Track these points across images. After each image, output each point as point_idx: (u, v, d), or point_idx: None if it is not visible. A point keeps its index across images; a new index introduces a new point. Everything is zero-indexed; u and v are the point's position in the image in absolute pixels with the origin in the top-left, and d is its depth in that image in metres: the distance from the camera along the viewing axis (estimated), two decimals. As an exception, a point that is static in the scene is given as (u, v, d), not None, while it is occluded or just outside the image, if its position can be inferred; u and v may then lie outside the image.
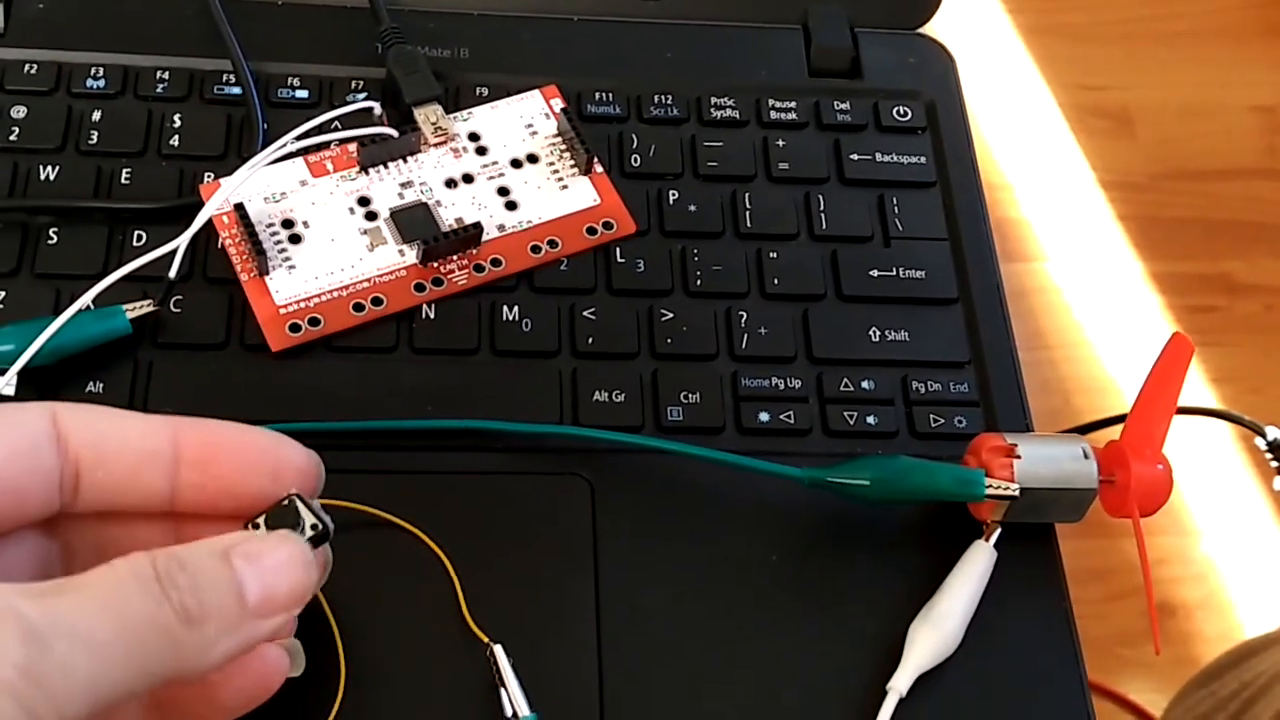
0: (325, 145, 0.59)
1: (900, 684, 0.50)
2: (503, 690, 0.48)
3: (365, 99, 0.61)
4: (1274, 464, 0.95)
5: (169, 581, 0.36)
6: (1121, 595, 1.42)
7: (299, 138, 0.57)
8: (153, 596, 0.35)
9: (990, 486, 0.51)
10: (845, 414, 0.57)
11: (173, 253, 0.54)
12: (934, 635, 0.51)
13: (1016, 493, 0.51)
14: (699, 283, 0.59)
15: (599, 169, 0.61)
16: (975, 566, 0.52)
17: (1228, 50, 1.78)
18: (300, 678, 0.46)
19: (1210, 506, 1.47)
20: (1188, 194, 1.67)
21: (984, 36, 1.78)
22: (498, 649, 0.48)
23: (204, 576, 0.36)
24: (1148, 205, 1.67)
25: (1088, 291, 1.58)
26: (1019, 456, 0.51)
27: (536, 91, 0.63)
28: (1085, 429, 0.60)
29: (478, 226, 0.57)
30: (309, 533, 0.40)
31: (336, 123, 0.60)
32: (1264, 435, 0.84)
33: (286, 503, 0.41)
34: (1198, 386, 1.50)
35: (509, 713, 0.47)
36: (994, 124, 1.70)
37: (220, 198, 0.55)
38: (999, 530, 0.53)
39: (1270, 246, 1.63)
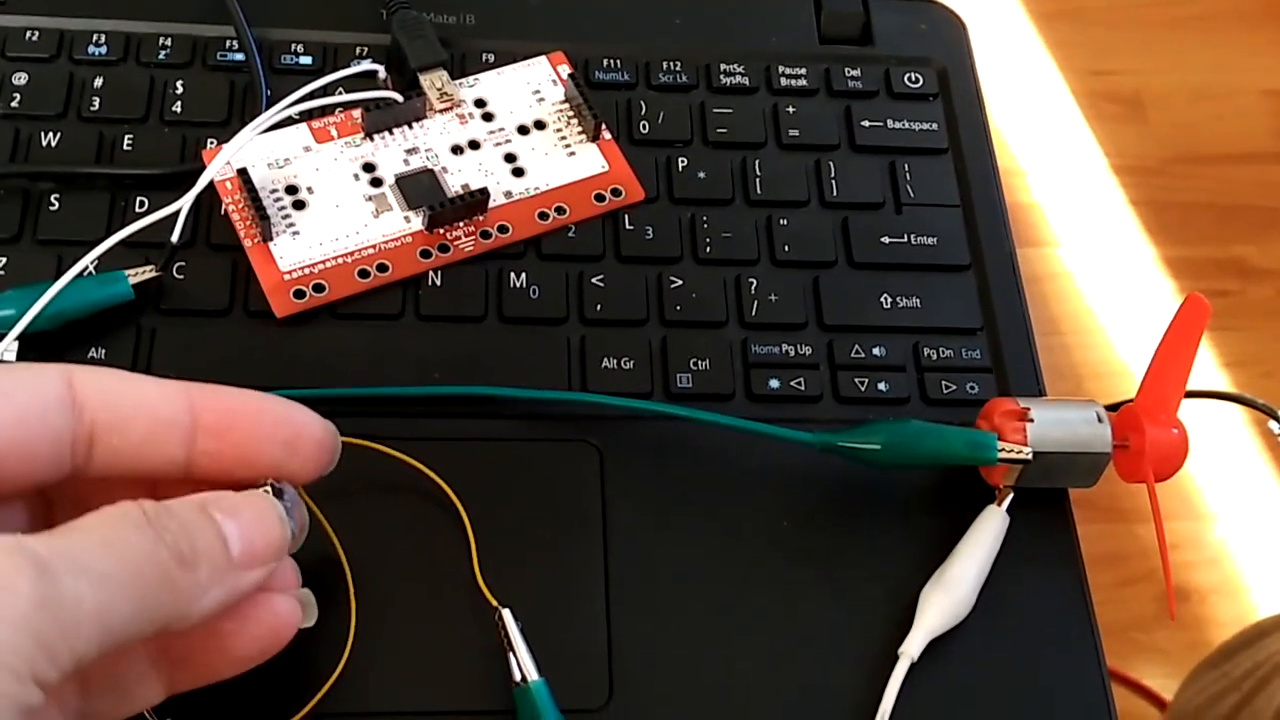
0: (330, 111, 0.59)
1: (912, 648, 0.49)
2: (510, 654, 0.47)
3: (370, 64, 0.60)
4: (1288, 448, 0.95)
5: (159, 525, 0.36)
6: (1135, 580, 1.42)
7: (300, 100, 0.56)
8: (149, 537, 0.36)
9: (1002, 450, 0.50)
10: (856, 380, 0.56)
11: (175, 218, 0.54)
12: (946, 600, 0.50)
13: (1029, 456, 0.50)
14: (708, 250, 0.59)
15: (607, 136, 0.61)
16: (987, 532, 0.51)
17: (1240, 34, 1.78)
18: (309, 631, 0.46)
19: (1224, 490, 1.47)
20: (1200, 178, 1.67)
21: (997, 22, 1.78)
22: (506, 613, 0.48)
23: (191, 523, 0.37)
24: (1160, 190, 1.66)
25: (1100, 276, 1.58)
26: (1031, 420, 0.51)
27: (543, 58, 0.63)
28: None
29: (484, 192, 0.57)
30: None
31: (341, 88, 0.59)
32: (1277, 419, 0.84)
33: (265, 489, 0.41)
34: (1211, 370, 1.50)
35: (517, 677, 0.47)
36: (1007, 109, 1.70)
37: (222, 160, 0.54)
38: (1011, 495, 0.52)
39: (1283, 230, 1.62)
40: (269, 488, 0.42)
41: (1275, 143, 1.69)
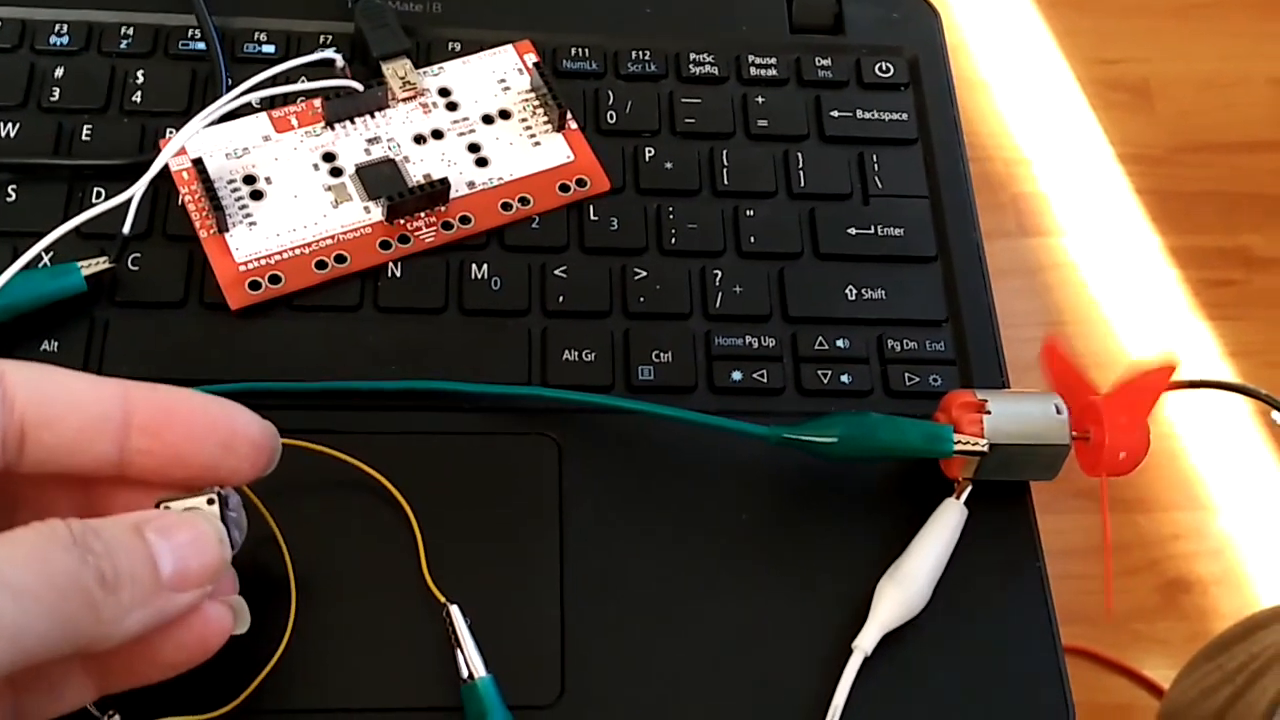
0: (291, 100, 0.58)
1: (865, 643, 0.49)
2: (458, 651, 0.47)
3: (333, 53, 0.60)
4: (1290, 439, 0.94)
5: (85, 546, 0.36)
6: (1137, 570, 1.41)
7: (256, 87, 0.56)
8: (74, 557, 0.36)
9: (959, 442, 0.50)
10: (819, 373, 0.56)
11: (127, 208, 0.53)
12: (900, 593, 0.50)
13: (985, 448, 0.50)
14: (674, 241, 0.58)
15: (573, 125, 0.60)
16: (944, 524, 0.51)
17: (1247, 22, 1.76)
18: (256, 625, 0.45)
19: (1227, 481, 1.46)
20: (1207, 167, 1.66)
21: (1001, 9, 1.77)
22: (454, 609, 0.47)
23: (118, 545, 0.37)
24: (1166, 179, 1.65)
25: (1105, 266, 1.57)
26: (989, 412, 0.50)
27: (510, 46, 0.62)
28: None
29: (445, 183, 0.56)
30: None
31: (304, 76, 0.59)
32: (1281, 410, 0.83)
33: (209, 498, 0.41)
34: (1215, 360, 1.49)
35: (464, 673, 0.46)
36: (1011, 98, 1.69)
37: (175, 147, 0.54)
38: (970, 488, 0.52)
39: (1290, 220, 1.61)
40: (214, 495, 0.41)
41: (1282, 132, 1.68)
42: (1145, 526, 1.42)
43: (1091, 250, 1.59)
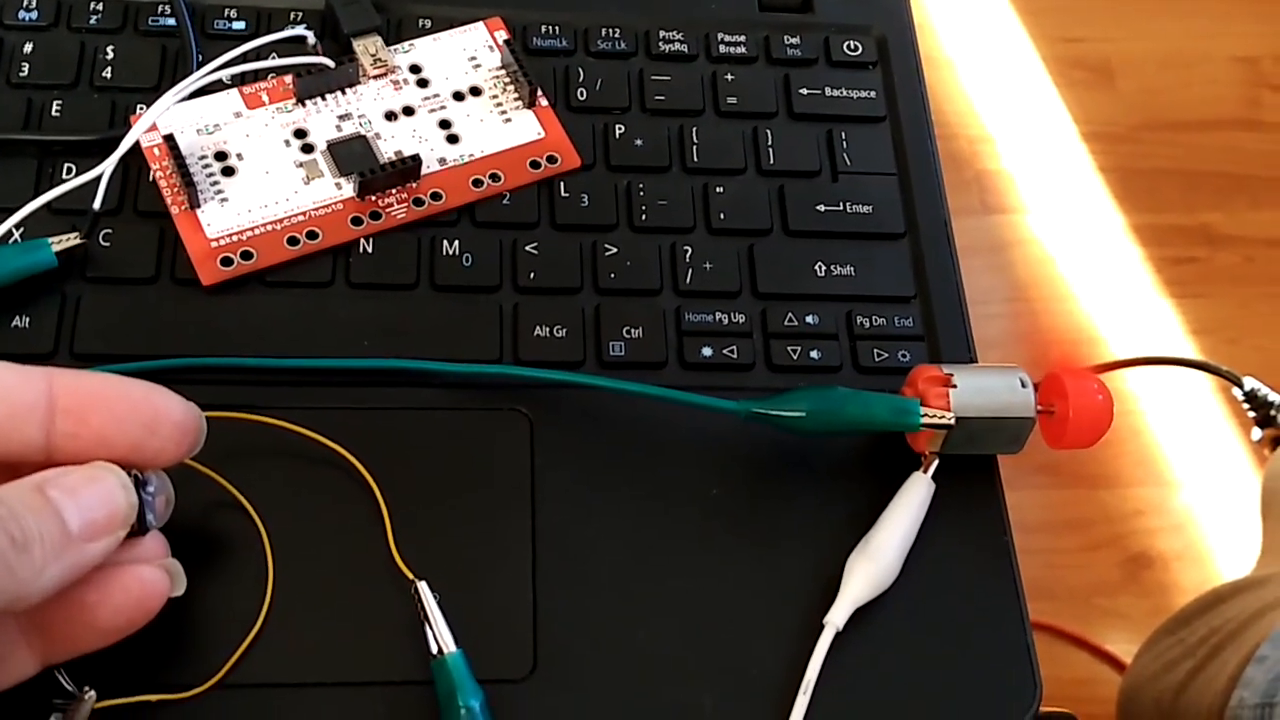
0: (262, 77, 0.58)
1: (836, 618, 0.50)
2: (427, 626, 0.47)
3: (305, 29, 0.60)
4: (1252, 414, 0.95)
5: None
6: (1099, 546, 1.43)
7: (226, 65, 0.56)
8: None
9: (925, 415, 0.51)
10: (789, 349, 0.56)
11: (98, 184, 0.53)
12: (871, 568, 0.50)
13: (951, 422, 0.50)
14: (644, 217, 0.59)
15: (543, 102, 0.60)
16: (913, 498, 0.52)
17: (1209, 2, 1.77)
18: (227, 601, 0.47)
19: (1189, 457, 1.47)
20: (1169, 145, 1.67)
21: (965, -12, 1.77)
22: (422, 585, 0.48)
23: (22, 507, 0.38)
24: (1129, 157, 1.66)
25: (1069, 243, 1.58)
26: (955, 386, 0.51)
27: (480, 24, 0.62)
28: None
29: (416, 159, 0.56)
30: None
31: (274, 53, 0.59)
32: (1241, 386, 0.83)
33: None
34: (1177, 337, 1.50)
35: (434, 649, 0.47)
36: (976, 76, 1.70)
37: (146, 123, 0.54)
38: (937, 462, 0.52)
39: (1250, 198, 1.63)
40: (133, 477, 0.42)
41: (1243, 110, 1.70)
42: (1108, 502, 1.43)
43: (1055, 227, 1.60)
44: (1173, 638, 0.95)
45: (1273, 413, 0.94)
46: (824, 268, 0.58)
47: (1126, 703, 0.96)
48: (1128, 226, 1.60)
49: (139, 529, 0.43)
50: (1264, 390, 0.93)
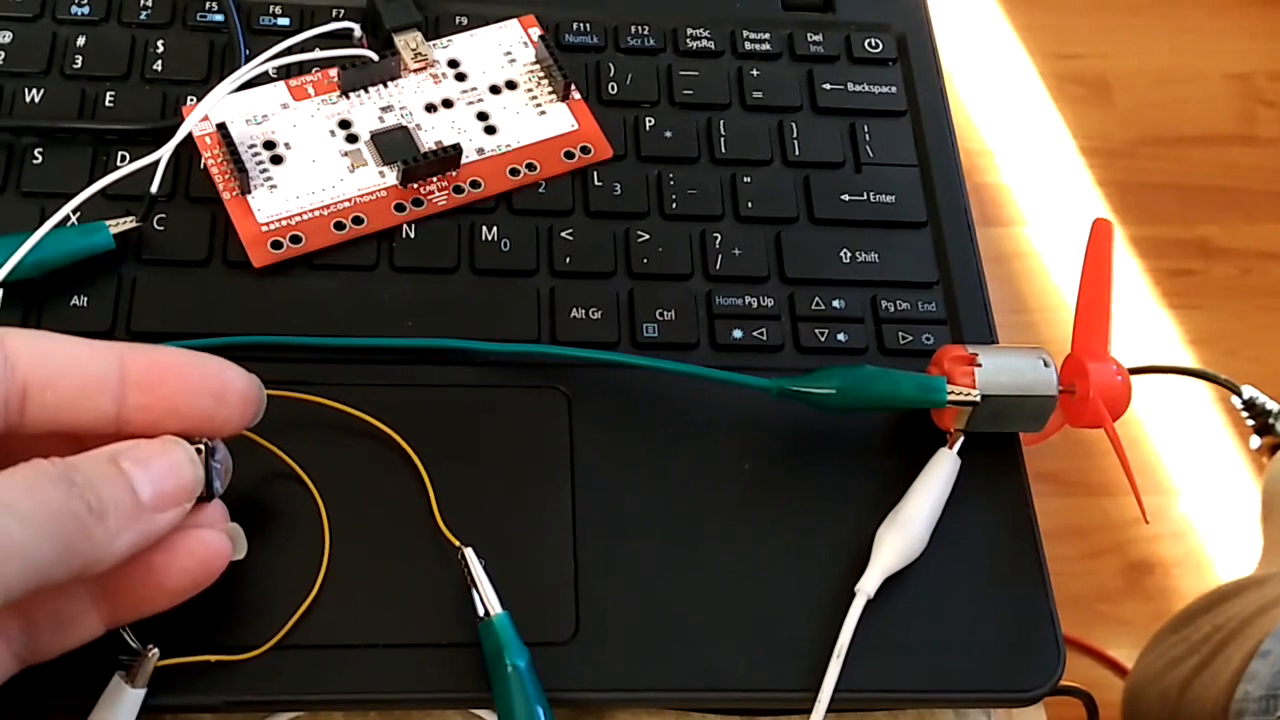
0: (307, 70, 0.60)
1: (868, 585, 0.51)
2: (474, 591, 0.49)
3: (346, 23, 0.62)
4: (1250, 422, 0.97)
5: (68, 480, 0.39)
6: (1100, 553, 1.44)
7: (275, 56, 0.58)
8: (62, 489, 0.39)
9: (952, 393, 0.52)
10: (816, 331, 0.58)
11: (154, 169, 0.55)
12: (900, 539, 0.52)
13: (977, 399, 0.52)
14: (674, 206, 0.60)
15: (576, 95, 0.62)
16: (940, 473, 0.53)
17: (1204, 18, 1.79)
18: (282, 566, 0.49)
19: (1188, 465, 1.49)
20: (1165, 160, 1.69)
21: (964, 6, 1.79)
22: (468, 551, 0.49)
23: (98, 476, 0.40)
24: (1125, 171, 1.68)
25: (1066, 256, 1.60)
26: (980, 365, 0.53)
27: (515, 20, 0.64)
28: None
29: (457, 148, 0.58)
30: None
31: (318, 47, 0.61)
32: (1240, 394, 0.85)
33: (197, 448, 0.44)
34: (1175, 348, 1.52)
35: (480, 612, 0.48)
36: (974, 91, 1.71)
37: (200, 112, 0.56)
38: (962, 439, 0.54)
39: (1246, 211, 1.65)
40: (202, 445, 0.44)
41: (1238, 125, 1.72)
42: (1109, 510, 1.45)
43: (1053, 240, 1.61)
44: (1177, 635, 0.97)
45: (1271, 420, 0.96)
46: (849, 254, 0.60)
47: (1132, 699, 0.97)
48: (1125, 239, 1.62)
49: (206, 495, 0.44)
50: (1262, 398, 0.95)
